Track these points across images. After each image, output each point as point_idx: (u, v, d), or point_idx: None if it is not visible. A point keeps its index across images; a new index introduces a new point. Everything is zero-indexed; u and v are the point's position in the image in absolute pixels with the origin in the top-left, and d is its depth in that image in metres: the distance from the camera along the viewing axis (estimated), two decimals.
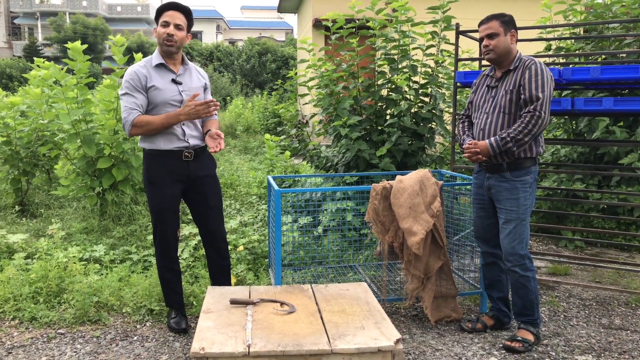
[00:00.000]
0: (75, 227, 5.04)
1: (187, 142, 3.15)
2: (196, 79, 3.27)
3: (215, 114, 3.40)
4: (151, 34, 45.45)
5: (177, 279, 3.39)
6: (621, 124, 5.33)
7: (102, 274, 3.98)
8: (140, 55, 5.36)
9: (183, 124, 3.15)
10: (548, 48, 5.81)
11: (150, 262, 4.31)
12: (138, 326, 3.41)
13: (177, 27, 3.09)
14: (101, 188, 5.37)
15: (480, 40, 3.18)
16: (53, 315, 3.44)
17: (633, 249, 4.99)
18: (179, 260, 3.54)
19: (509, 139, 2.98)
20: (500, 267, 3.35)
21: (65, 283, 3.74)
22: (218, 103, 3.08)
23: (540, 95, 2.96)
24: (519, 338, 3.13)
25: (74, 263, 3.98)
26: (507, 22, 3.12)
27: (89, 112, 5.30)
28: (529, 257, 3.14)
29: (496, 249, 3.33)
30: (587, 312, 3.69)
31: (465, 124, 3.40)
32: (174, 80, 3.14)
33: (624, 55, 4.92)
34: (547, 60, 5.38)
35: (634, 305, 3.81)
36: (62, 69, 5.41)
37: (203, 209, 3.32)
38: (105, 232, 5.04)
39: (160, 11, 3.11)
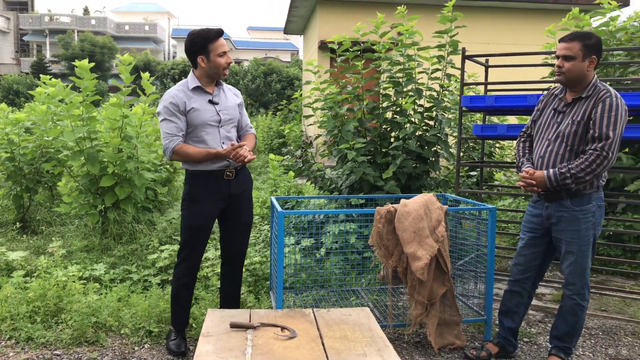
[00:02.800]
0: (76, 245, 5.01)
1: (229, 161, 3.18)
2: (231, 97, 3.35)
3: (253, 129, 3.45)
4: (157, 53, 45.90)
5: (190, 300, 3.40)
6: (627, 150, 5.30)
7: (101, 294, 3.94)
8: (147, 74, 5.39)
9: (223, 143, 3.20)
10: (552, 73, 5.82)
11: (150, 282, 4.26)
12: (136, 348, 3.35)
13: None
14: (103, 206, 5.35)
15: (557, 57, 2.93)
16: (50, 336, 3.39)
17: (639, 277, 4.92)
18: None
19: (568, 174, 2.82)
20: (523, 298, 3.25)
21: (64, 302, 3.69)
22: (254, 156, 3.11)
23: (610, 134, 2.75)
24: None
25: (74, 282, 3.93)
26: (590, 47, 2.83)
27: (94, 129, 5.30)
28: (589, 287, 3.03)
29: (527, 282, 3.21)
30: (593, 341, 3.62)
31: (527, 144, 3.22)
32: (210, 101, 3.21)
33: (629, 82, 4.92)
34: (552, 85, 5.38)
35: None
36: (67, 87, 5.43)
37: (235, 227, 3.37)
38: (106, 250, 5.00)
39: (211, 40, 3.12)
